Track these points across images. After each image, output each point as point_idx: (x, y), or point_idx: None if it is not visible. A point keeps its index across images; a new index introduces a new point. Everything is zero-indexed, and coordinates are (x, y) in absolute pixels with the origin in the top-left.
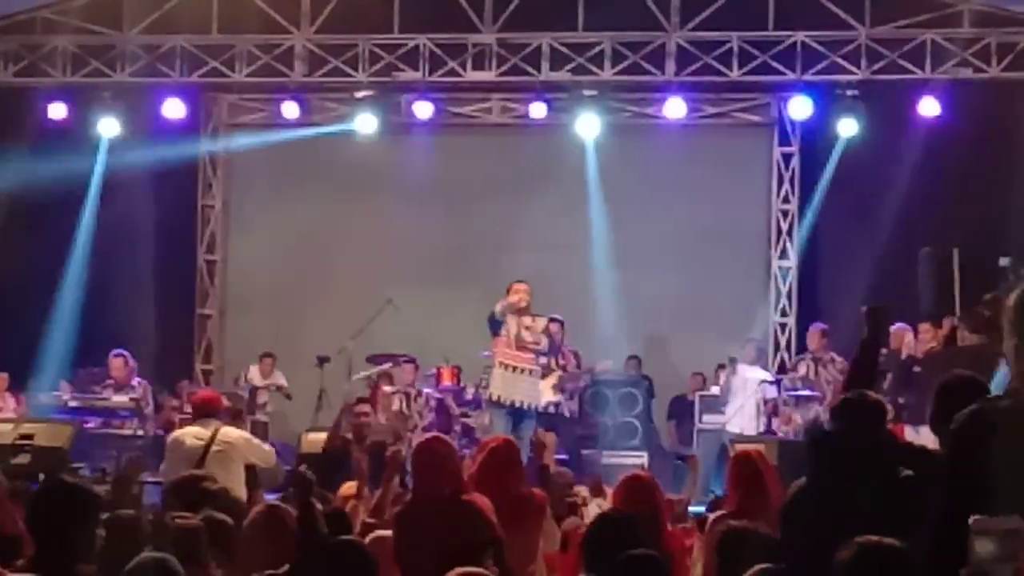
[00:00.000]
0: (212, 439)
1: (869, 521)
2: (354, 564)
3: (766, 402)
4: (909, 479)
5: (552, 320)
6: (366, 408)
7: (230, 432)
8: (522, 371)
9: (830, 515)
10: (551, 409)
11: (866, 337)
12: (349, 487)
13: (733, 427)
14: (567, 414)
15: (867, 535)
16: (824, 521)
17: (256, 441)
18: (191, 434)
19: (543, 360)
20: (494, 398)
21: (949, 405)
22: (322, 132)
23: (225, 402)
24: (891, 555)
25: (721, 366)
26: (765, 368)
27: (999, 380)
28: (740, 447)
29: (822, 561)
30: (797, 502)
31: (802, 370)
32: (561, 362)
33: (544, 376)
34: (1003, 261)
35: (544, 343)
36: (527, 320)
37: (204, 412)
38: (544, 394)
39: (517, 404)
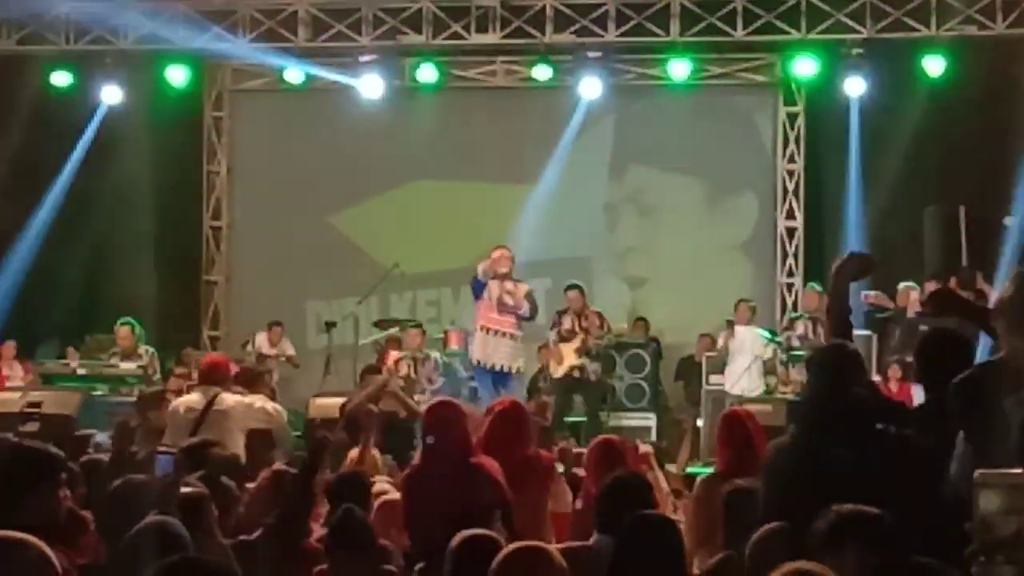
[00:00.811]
0: (207, 407)
1: (846, 479)
2: None
3: (765, 362)
4: (885, 434)
5: (572, 287)
6: (382, 376)
7: (226, 399)
8: (503, 334)
9: (806, 473)
10: (575, 373)
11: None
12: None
13: (735, 389)
14: (592, 377)
15: (844, 496)
16: (802, 479)
17: (259, 404)
18: (185, 403)
19: (526, 324)
20: (475, 361)
21: (933, 358)
22: (330, 80)
23: (234, 367)
24: (868, 522)
25: (729, 322)
26: (765, 328)
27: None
28: (730, 407)
29: (802, 520)
30: (774, 460)
31: (800, 329)
32: (584, 324)
33: (568, 340)
34: (1007, 220)
35: (525, 307)
36: (508, 284)
37: (207, 378)
38: (567, 358)
39: (498, 367)
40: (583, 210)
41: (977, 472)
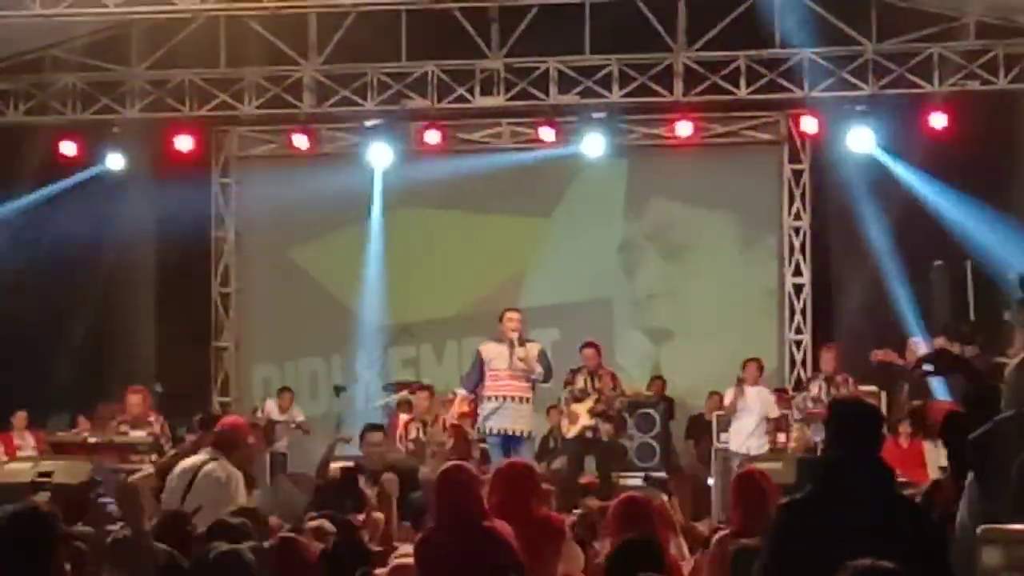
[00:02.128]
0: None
1: (862, 541)
2: None
3: (770, 420)
4: (905, 500)
5: (588, 345)
6: (377, 437)
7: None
8: (514, 399)
9: (821, 532)
10: (588, 433)
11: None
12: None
13: (740, 448)
14: (604, 438)
15: (860, 555)
16: (816, 538)
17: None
18: (181, 466)
19: (538, 384)
20: (487, 430)
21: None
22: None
23: (251, 439)
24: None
25: (739, 380)
26: (776, 388)
27: None
28: (745, 466)
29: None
30: (786, 517)
31: (814, 390)
32: (597, 385)
33: (581, 399)
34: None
35: (539, 371)
36: (519, 350)
37: (219, 443)
38: (581, 418)
39: (510, 432)
40: (596, 255)
41: (980, 528)
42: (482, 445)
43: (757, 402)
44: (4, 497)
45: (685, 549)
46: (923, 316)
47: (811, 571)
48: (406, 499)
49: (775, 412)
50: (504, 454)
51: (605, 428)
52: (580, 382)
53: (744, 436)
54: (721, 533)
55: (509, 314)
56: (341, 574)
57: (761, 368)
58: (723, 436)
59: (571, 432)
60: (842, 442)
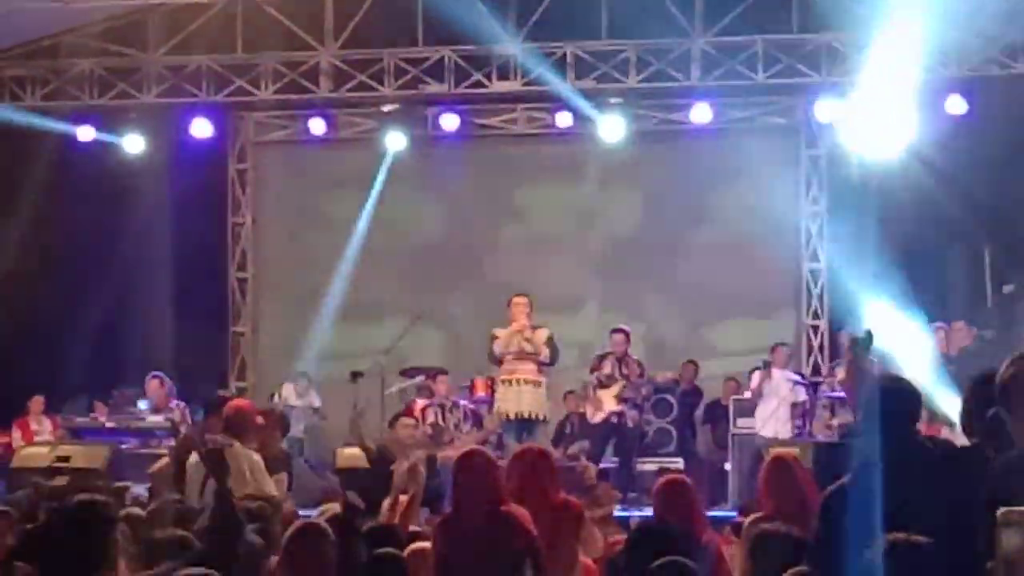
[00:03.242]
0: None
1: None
2: None
3: (795, 405)
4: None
5: (618, 331)
6: (410, 421)
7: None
8: (525, 382)
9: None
10: (613, 419)
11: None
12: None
13: (766, 431)
14: (630, 424)
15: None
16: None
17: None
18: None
19: (544, 367)
20: (502, 415)
21: (979, 403)
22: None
23: (259, 420)
24: (920, 552)
25: (755, 369)
26: (796, 371)
27: None
28: (775, 451)
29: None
30: (835, 502)
31: (840, 374)
32: (624, 371)
33: (608, 386)
34: (1006, 289)
35: (545, 353)
36: (527, 332)
37: (229, 427)
38: (607, 403)
39: (524, 415)
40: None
41: (999, 511)
42: (498, 431)
43: (784, 386)
44: (22, 481)
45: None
46: (942, 301)
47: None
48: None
49: (800, 397)
50: (518, 438)
51: (631, 415)
52: (608, 367)
53: (772, 420)
54: (753, 517)
55: (516, 299)
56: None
57: (789, 354)
58: (740, 421)
59: (596, 417)
60: (885, 425)
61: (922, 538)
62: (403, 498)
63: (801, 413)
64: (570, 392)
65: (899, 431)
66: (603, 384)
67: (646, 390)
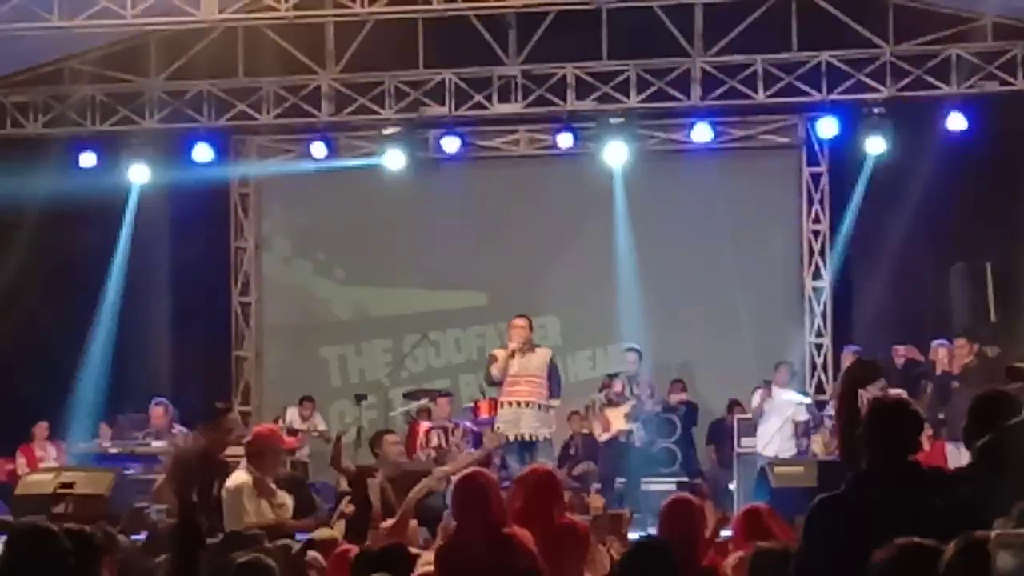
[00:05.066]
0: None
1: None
2: None
3: (797, 424)
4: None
5: (630, 350)
6: (395, 438)
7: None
8: (526, 404)
9: (860, 531)
10: (621, 438)
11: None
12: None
13: (768, 450)
14: (638, 444)
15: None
16: (854, 537)
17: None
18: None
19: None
20: (502, 437)
21: (983, 420)
22: (351, 166)
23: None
24: (931, 556)
25: (758, 387)
26: (799, 391)
27: None
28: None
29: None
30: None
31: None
32: (636, 391)
33: (618, 404)
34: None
35: (545, 374)
36: (529, 354)
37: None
38: (615, 423)
39: (525, 436)
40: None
41: (994, 531)
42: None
43: (785, 405)
44: (28, 508)
45: None
46: (944, 318)
47: (845, 568)
48: (420, 504)
49: (802, 416)
50: (520, 460)
51: (639, 435)
52: (618, 386)
53: (767, 438)
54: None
55: (515, 321)
56: None
57: (792, 371)
58: (744, 441)
59: (604, 436)
60: (880, 444)
61: (931, 541)
62: (385, 524)
63: (804, 432)
64: (574, 412)
65: (895, 456)
66: (613, 403)
67: (654, 410)
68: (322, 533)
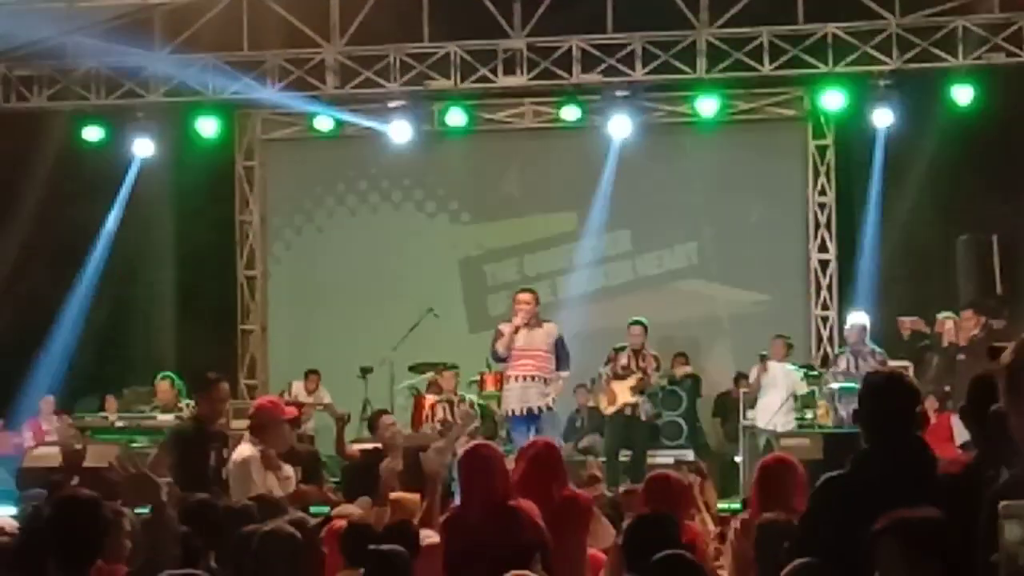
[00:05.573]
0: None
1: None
2: None
3: (797, 397)
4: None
5: (636, 323)
6: (390, 420)
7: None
8: (532, 379)
9: (864, 508)
10: (627, 411)
11: None
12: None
13: (766, 424)
14: (643, 417)
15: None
16: (859, 514)
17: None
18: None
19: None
20: (508, 411)
21: (981, 399)
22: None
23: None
24: (930, 526)
25: (763, 356)
26: (797, 364)
27: None
28: (770, 454)
29: (850, 554)
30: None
31: (842, 364)
32: (642, 364)
33: (624, 377)
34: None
35: (551, 348)
36: (536, 329)
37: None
38: (621, 395)
39: (529, 411)
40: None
41: (1001, 504)
42: (507, 426)
43: (783, 378)
44: (34, 481)
45: (711, 525)
46: (950, 290)
47: (846, 548)
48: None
49: (802, 389)
50: (525, 433)
51: (645, 407)
52: (624, 360)
53: (770, 413)
54: (741, 518)
55: (519, 295)
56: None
57: (788, 345)
58: (750, 414)
59: (610, 409)
60: (876, 418)
61: (932, 511)
62: (394, 497)
63: (804, 405)
64: (580, 385)
65: (895, 429)
66: (618, 376)
67: (660, 384)
68: (344, 509)
